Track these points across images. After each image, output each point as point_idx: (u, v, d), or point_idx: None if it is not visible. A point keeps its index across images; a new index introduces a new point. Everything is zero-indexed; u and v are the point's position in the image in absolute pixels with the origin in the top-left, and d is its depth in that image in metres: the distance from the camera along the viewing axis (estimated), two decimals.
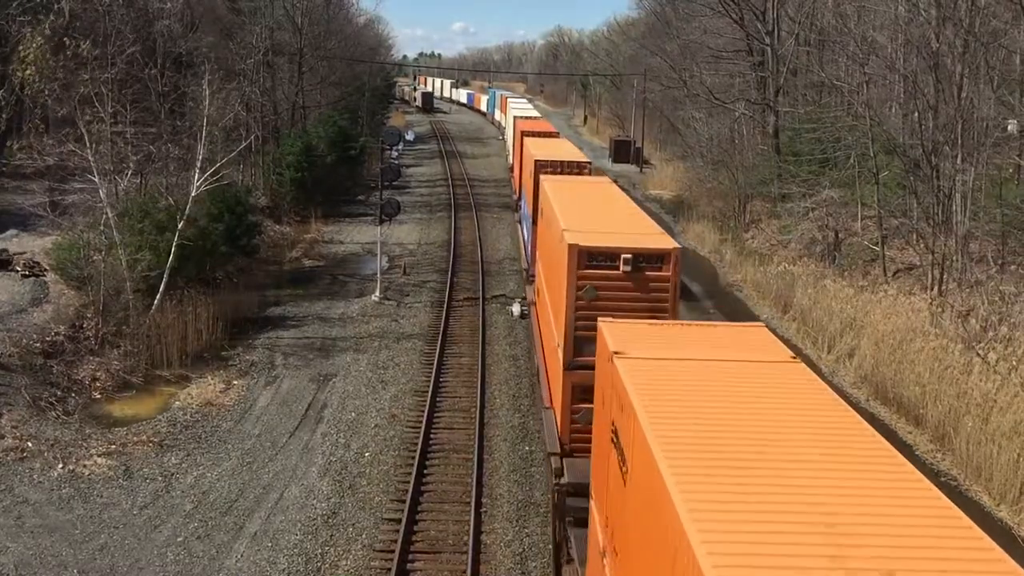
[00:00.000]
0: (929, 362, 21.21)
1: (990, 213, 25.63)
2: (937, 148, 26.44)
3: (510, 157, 55.36)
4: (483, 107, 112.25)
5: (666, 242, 14.33)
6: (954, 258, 25.06)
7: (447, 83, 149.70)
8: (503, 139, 73.65)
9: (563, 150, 31.96)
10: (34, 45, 24.19)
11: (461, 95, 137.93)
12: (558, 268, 14.79)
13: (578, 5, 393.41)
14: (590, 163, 28.50)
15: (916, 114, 27.83)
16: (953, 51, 25.88)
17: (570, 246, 13.53)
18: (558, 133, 43.95)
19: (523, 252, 30.84)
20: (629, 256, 13.44)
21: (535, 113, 65.65)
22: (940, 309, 23.67)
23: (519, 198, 37.29)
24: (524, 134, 38.93)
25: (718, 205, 42.99)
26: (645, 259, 13.53)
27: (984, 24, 25.58)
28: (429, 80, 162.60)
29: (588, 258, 13.49)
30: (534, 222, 24.53)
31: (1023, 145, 26.67)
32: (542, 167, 26.21)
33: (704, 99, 44.76)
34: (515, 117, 54.88)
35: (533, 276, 24.00)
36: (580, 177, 26.26)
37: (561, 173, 26.42)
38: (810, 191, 33.81)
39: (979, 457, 17.91)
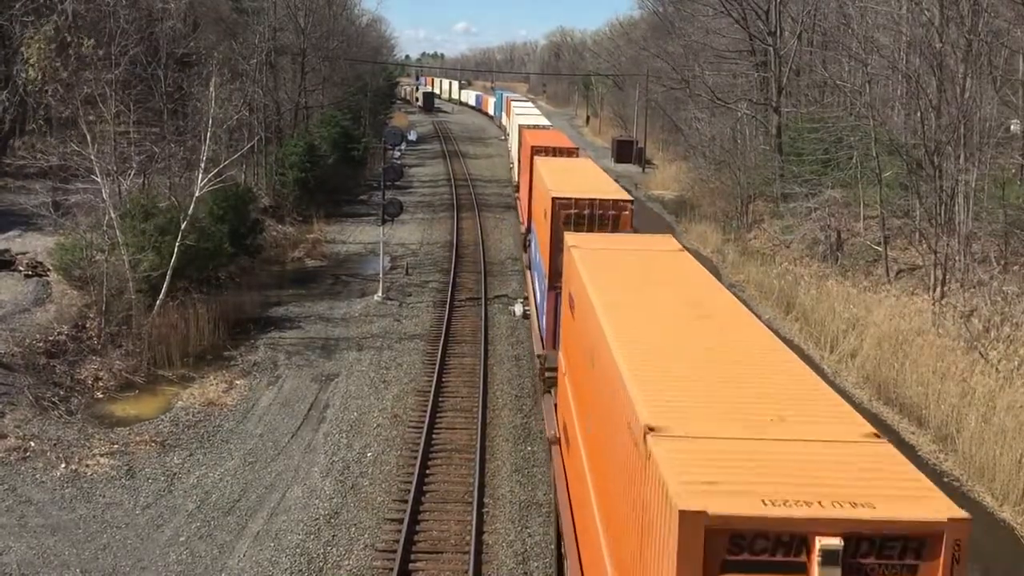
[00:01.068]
0: (932, 362, 21.20)
1: (993, 213, 25.60)
2: (940, 148, 26.42)
3: (515, 174, 47.30)
4: (490, 110, 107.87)
5: (933, 503, 5.80)
6: (957, 258, 25.04)
7: (455, 84, 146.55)
8: (508, 148, 65.65)
9: (590, 181, 22.57)
10: (36, 46, 24.26)
11: (469, 97, 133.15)
12: (635, 524, 6.79)
13: (580, 5, 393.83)
14: (632, 202, 19.28)
15: (919, 114, 27.80)
16: (956, 51, 25.86)
17: (682, 516, 5.54)
18: (578, 149, 34.95)
19: (536, 323, 21.58)
20: (835, 544, 5.54)
21: (544, 121, 55.38)
22: (943, 309, 23.66)
23: (527, 232, 28.61)
24: (535, 151, 30.81)
25: (720, 205, 42.96)
26: (880, 544, 5.59)
27: (986, 24, 25.55)
28: (437, 81, 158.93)
29: (730, 546, 5.60)
30: (551, 286, 17.95)
31: None
32: (564, 210, 18.52)
33: (706, 99, 44.75)
34: (521, 126, 46.61)
35: (554, 372, 16.00)
36: (629, 239, 15.87)
37: (593, 224, 18.42)
38: (812, 191, 33.79)
39: (982, 457, 17.90)
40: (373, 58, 77.42)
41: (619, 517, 7.66)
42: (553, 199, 18.64)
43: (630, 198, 19.51)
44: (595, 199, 18.88)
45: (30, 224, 29.25)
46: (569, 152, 32.69)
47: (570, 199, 18.71)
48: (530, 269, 25.68)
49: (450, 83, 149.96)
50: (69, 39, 24.81)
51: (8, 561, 14.30)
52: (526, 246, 29.23)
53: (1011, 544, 16.01)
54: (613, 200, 18.98)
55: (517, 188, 42.04)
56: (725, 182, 42.48)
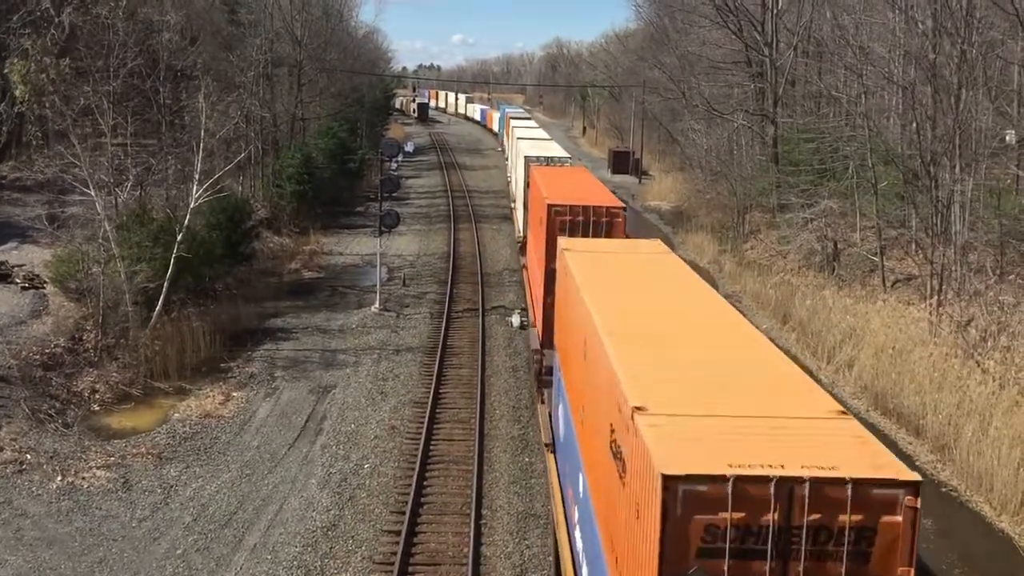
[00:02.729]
0: (928, 372, 21.21)
1: (988, 223, 25.66)
2: (935, 159, 26.49)
3: (519, 224, 34.63)
4: (494, 126, 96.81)
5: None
6: (953, 268, 25.08)
7: (462, 98, 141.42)
8: (507, 178, 52.61)
9: (687, 311, 11.43)
10: (19, 66, 24.36)
11: (475, 111, 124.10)
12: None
13: (577, 17, 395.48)
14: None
15: (914, 125, 27.90)
16: (950, 62, 25.96)
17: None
18: (624, 208, 20.25)
19: (565, 538, 12.29)
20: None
21: (559, 150, 38.76)
22: (939, 319, 23.68)
23: (544, 344, 18.65)
24: (555, 218, 18.87)
25: (717, 216, 43.04)
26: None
27: (980, 35, 25.66)
28: (442, 94, 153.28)
29: None
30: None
31: (1021, 155, 26.73)
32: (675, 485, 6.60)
33: (703, 110, 44.87)
34: (528, 159, 32.04)
35: None
36: None
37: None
38: (809, 202, 33.85)
39: (979, 467, 17.89)
40: (370, 70, 77.58)
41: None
42: (636, 411, 7.61)
43: (844, 411, 8.06)
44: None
45: (26, 236, 29.27)
46: (612, 217, 19.37)
47: (682, 423, 7.45)
48: (553, 426, 14.93)
49: (456, 96, 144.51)
50: (47, 61, 24.84)
51: (4, 575, 14.24)
52: (541, 375, 18.25)
53: (1010, 554, 15.98)
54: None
55: (522, 247, 27.67)
56: (721, 193, 42.57)
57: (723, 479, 6.44)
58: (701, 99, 44.30)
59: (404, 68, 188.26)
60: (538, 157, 32.55)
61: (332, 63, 55.56)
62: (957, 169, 25.47)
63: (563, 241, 15.91)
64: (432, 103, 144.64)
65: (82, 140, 23.98)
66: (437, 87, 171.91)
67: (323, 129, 50.61)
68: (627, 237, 19.27)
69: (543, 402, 17.74)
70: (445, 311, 29.51)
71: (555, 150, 38.36)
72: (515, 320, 28.35)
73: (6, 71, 27.47)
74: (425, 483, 17.66)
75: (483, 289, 32.68)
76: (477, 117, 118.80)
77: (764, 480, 6.46)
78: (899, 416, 21.21)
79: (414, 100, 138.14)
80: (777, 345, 9.04)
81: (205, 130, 25.96)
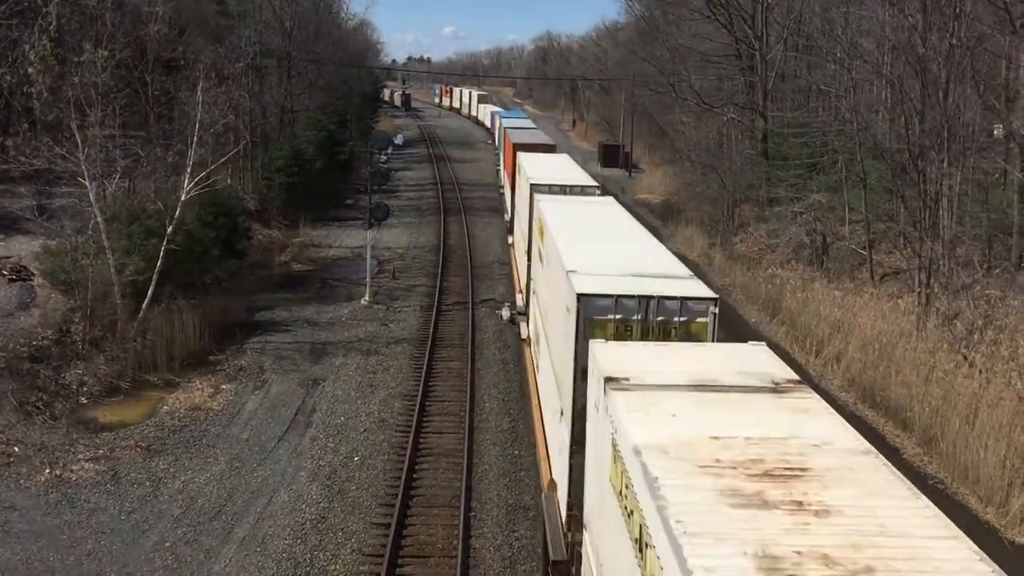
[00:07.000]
0: (915, 365, 21.32)
1: (976, 217, 25.80)
2: (923, 153, 26.60)
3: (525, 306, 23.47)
4: (496, 136, 68.13)
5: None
6: (940, 262, 25.20)
7: (474, 95, 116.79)
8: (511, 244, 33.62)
9: None
10: (39, 45, 24.13)
11: (485, 114, 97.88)
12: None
13: (567, 10, 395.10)
14: None
15: (903, 119, 27.98)
16: (939, 56, 26.05)
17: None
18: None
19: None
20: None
21: (667, 260, 14.39)
22: (926, 313, 23.81)
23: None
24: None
25: (707, 209, 43.10)
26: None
27: (968, 29, 25.75)
28: (456, 91, 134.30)
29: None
30: None
31: (1008, 150, 26.86)
32: None
33: (693, 103, 44.89)
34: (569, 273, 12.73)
35: None
36: None
37: None
38: (798, 195, 33.96)
39: (966, 459, 18.02)
40: (360, 62, 77.26)
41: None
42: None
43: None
44: None
45: (13, 228, 29.09)
46: None
47: None
48: None
49: (469, 93, 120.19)
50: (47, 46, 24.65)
51: None
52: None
53: (996, 547, 16.09)
54: None
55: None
56: (711, 186, 42.61)
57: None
58: (691, 92, 44.33)
59: (394, 61, 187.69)
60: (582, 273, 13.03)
61: (321, 55, 55.35)
62: (945, 163, 25.58)
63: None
64: (445, 101, 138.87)
65: (70, 131, 23.81)
66: (426, 80, 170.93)
67: (312, 121, 50.44)
68: None
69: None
70: (435, 304, 29.50)
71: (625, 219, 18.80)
72: (505, 313, 28.36)
73: (24, 50, 27.09)
74: (415, 476, 17.69)
75: (473, 282, 32.68)
76: (487, 122, 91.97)
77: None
78: (886, 409, 21.33)
79: (403, 91, 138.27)
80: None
81: (199, 123, 25.82)
